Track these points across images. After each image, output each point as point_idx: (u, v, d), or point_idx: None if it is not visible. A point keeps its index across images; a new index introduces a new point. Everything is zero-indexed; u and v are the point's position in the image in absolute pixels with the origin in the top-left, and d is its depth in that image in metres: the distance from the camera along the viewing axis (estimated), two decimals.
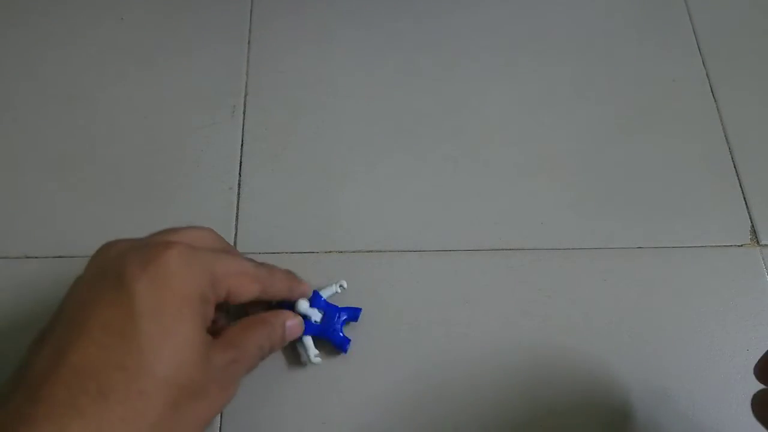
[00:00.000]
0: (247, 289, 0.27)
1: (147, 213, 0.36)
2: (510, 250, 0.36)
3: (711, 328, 0.34)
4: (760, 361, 0.24)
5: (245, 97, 0.40)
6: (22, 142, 0.38)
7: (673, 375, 0.32)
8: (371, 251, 0.35)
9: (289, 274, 0.31)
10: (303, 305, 0.31)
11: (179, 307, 0.23)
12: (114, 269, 0.24)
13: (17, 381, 0.22)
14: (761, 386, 0.24)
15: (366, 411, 0.31)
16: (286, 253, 0.35)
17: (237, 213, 0.36)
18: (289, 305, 0.31)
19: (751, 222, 0.37)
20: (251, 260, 0.29)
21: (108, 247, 0.26)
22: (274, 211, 0.37)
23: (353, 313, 0.33)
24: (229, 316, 0.30)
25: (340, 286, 0.33)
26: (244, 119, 0.39)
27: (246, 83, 0.41)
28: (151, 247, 0.24)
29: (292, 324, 0.30)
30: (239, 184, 0.37)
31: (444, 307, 0.34)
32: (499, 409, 0.31)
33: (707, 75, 0.42)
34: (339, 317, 0.32)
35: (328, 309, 0.32)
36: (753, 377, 0.24)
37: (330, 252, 0.35)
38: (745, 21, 0.44)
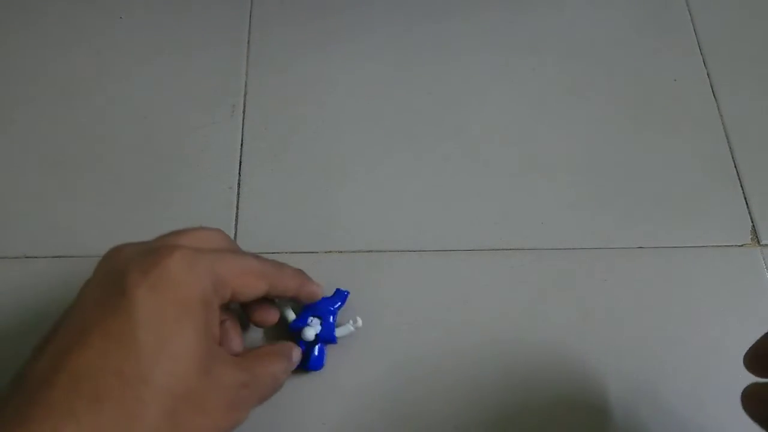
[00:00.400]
0: (253, 287, 0.27)
1: (146, 213, 0.36)
2: (510, 250, 0.36)
3: (711, 329, 0.34)
4: (749, 350, 0.24)
5: (245, 96, 0.40)
6: (22, 142, 0.38)
7: (673, 375, 0.32)
8: (371, 251, 0.35)
9: (300, 272, 0.31)
10: (310, 333, 0.31)
11: (178, 314, 0.23)
12: (118, 275, 0.24)
13: (17, 383, 0.23)
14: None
15: (366, 411, 0.31)
16: (286, 253, 0.35)
17: (237, 213, 0.36)
18: (301, 321, 0.31)
19: (752, 222, 0.37)
20: (258, 257, 0.28)
21: (116, 252, 0.26)
22: (274, 211, 0.36)
23: (343, 298, 0.33)
24: (235, 314, 0.30)
25: (355, 326, 0.32)
26: (243, 119, 0.39)
27: (246, 83, 0.41)
28: (154, 253, 0.24)
29: (297, 357, 0.30)
30: (239, 184, 0.37)
31: (444, 307, 0.34)
32: (500, 409, 0.31)
33: (708, 75, 0.42)
34: (334, 309, 0.32)
35: (323, 313, 0.32)
36: (753, 378, 0.24)
37: (330, 252, 0.35)
38: (746, 21, 0.44)
